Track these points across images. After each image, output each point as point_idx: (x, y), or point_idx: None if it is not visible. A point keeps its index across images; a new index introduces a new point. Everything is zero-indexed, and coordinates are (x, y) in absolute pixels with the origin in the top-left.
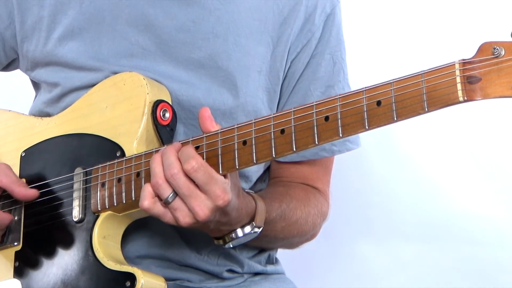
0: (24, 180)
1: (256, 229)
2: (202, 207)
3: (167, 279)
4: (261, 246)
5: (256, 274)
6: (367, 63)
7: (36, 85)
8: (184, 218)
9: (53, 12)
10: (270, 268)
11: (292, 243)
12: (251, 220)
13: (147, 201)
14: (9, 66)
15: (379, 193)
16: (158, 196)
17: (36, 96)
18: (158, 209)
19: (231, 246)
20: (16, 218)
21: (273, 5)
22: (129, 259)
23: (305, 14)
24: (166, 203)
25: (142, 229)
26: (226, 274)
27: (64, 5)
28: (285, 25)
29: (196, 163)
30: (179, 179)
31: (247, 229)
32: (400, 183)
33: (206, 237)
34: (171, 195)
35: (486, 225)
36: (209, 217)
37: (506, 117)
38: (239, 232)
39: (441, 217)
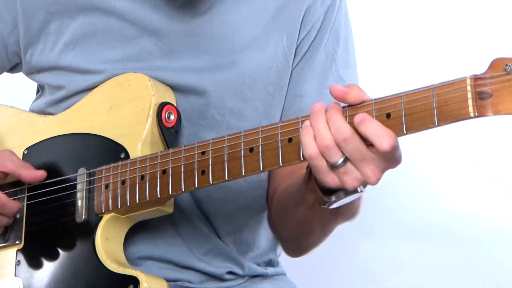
0: (25, 189)
1: (363, 189)
2: (375, 171)
3: (168, 280)
4: (333, 221)
5: (257, 276)
6: (378, 75)
7: (41, 87)
8: (353, 182)
9: (60, 18)
10: (270, 270)
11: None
12: None
13: (314, 151)
14: (12, 69)
15: (379, 193)
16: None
17: (39, 96)
18: (322, 164)
19: (336, 206)
20: (18, 216)
21: (277, 2)
22: (130, 260)
23: (306, 6)
24: (333, 167)
25: (143, 230)
26: (226, 276)
27: (71, 11)
28: (291, 19)
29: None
30: (353, 143)
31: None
32: (400, 184)
33: (208, 238)
34: (341, 160)
35: (486, 225)
36: (379, 179)
37: (506, 118)
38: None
39: (441, 217)
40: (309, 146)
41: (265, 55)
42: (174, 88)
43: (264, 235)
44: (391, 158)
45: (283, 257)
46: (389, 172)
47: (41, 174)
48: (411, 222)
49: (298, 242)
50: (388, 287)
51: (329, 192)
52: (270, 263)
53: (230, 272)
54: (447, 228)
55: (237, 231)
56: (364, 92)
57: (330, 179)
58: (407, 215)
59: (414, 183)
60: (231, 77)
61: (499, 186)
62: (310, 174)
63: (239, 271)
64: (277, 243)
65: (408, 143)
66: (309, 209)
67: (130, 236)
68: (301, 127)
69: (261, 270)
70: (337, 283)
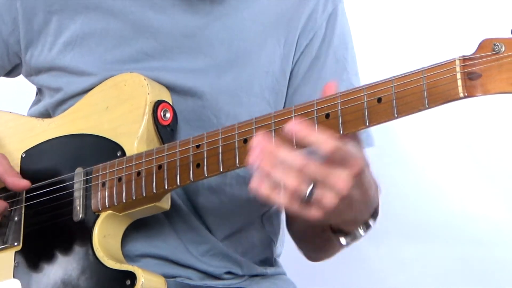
0: (18, 171)
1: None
2: (342, 179)
3: (167, 276)
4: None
5: (256, 275)
6: (368, 60)
7: (40, 90)
8: (331, 202)
9: (59, 18)
10: (270, 270)
11: None
12: (375, 210)
13: (284, 199)
14: (12, 71)
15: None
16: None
17: (38, 101)
18: (297, 206)
19: (351, 242)
20: (16, 218)
21: (276, 7)
22: (128, 257)
23: (307, 14)
24: (307, 200)
25: (141, 228)
26: (225, 276)
27: (71, 11)
28: (290, 26)
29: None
30: (311, 165)
31: (372, 221)
32: (400, 183)
33: (205, 238)
34: (311, 187)
35: (486, 225)
36: (350, 186)
37: (506, 117)
38: (371, 222)
39: (441, 217)
40: (278, 198)
41: (262, 60)
42: (171, 89)
43: (256, 235)
44: (342, 160)
45: (283, 256)
46: (389, 173)
47: (24, 183)
48: (411, 222)
49: (319, 255)
50: (388, 287)
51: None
52: (268, 262)
53: (229, 272)
54: (447, 228)
55: (231, 231)
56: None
57: (315, 213)
58: (407, 215)
59: (414, 183)
60: (227, 81)
61: (499, 186)
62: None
63: (238, 271)
64: (273, 242)
65: (408, 143)
66: (328, 240)
67: (129, 235)
68: (252, 186)
69: (260, 269)
70: (337, 283)
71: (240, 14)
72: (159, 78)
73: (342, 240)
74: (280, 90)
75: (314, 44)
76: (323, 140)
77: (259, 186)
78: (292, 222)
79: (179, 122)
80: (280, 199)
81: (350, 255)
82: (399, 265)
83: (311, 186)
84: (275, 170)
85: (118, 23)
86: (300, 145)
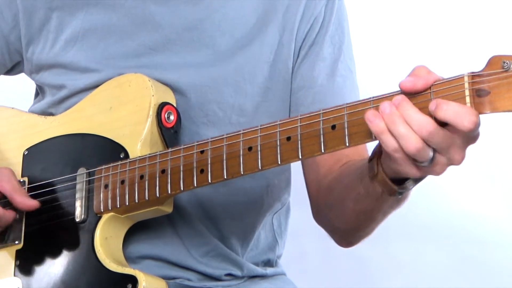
0: (25, 188)
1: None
2: (461, 152)
3: (167, 278)
4: (396, 207)
5: (256, 276)
6: (376, 74)
7: (40, 89)
8: (442, 169)
9: (60, 14)
10: (270, 270)
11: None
12: None
13: (400, 152)
14: (13, 69)
15: None
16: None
17: (39, 100)
18: (409, 163)
19: (403, 193)
20: (17, 216)
21: None
22: (129, 259)
23: (305, 1)
24: (426, 165)
25: (142, 230)
26: (225, 278)
27: (72, 7)
28: (288, 14)
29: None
30: (438, 134)
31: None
32: None
33: (206, 239)
34: (431, 155)
35: (486, 225)
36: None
37: (507, 117)
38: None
39: (441, 217)
40: (391, 142)
41: (264, 49)
42: (175, 86)
43: (263, 234)
44: (473, 136)
45: (283, 256)
46: None
47: (33, 203)
48: (411, 222)
49: (358, 232)
50: (387, 287)
51: (398, 181)
52: (269, 263)
53: (229, 274)
54: (447, 228)
55: (238, 230)
56: (431, 70)
57: (416, 172)
58: (407, 215)
59: None
60: (230, 72)
61: (500, 186)
62: (377, 167)
63: (238, 273)
64: (277, 244)
65: None
66: (375, 200)
67: (129, 236)
68: (374, 129)
69: (260, 270)
70: (337, 283)
71: (239, 4)
72: (163, 76)
73: (397, 187)
74: (283, 78)
75: (315, 29)
76: (466, 114)
77: (381, 132)
78: (326, 193)
79: (183, 121)
80: (393, 144)
81: (349, 255)
82: (398, 265)
83: (431, 152)
84: (405, 130)
85: (120, 17)
86: (437, 116)
